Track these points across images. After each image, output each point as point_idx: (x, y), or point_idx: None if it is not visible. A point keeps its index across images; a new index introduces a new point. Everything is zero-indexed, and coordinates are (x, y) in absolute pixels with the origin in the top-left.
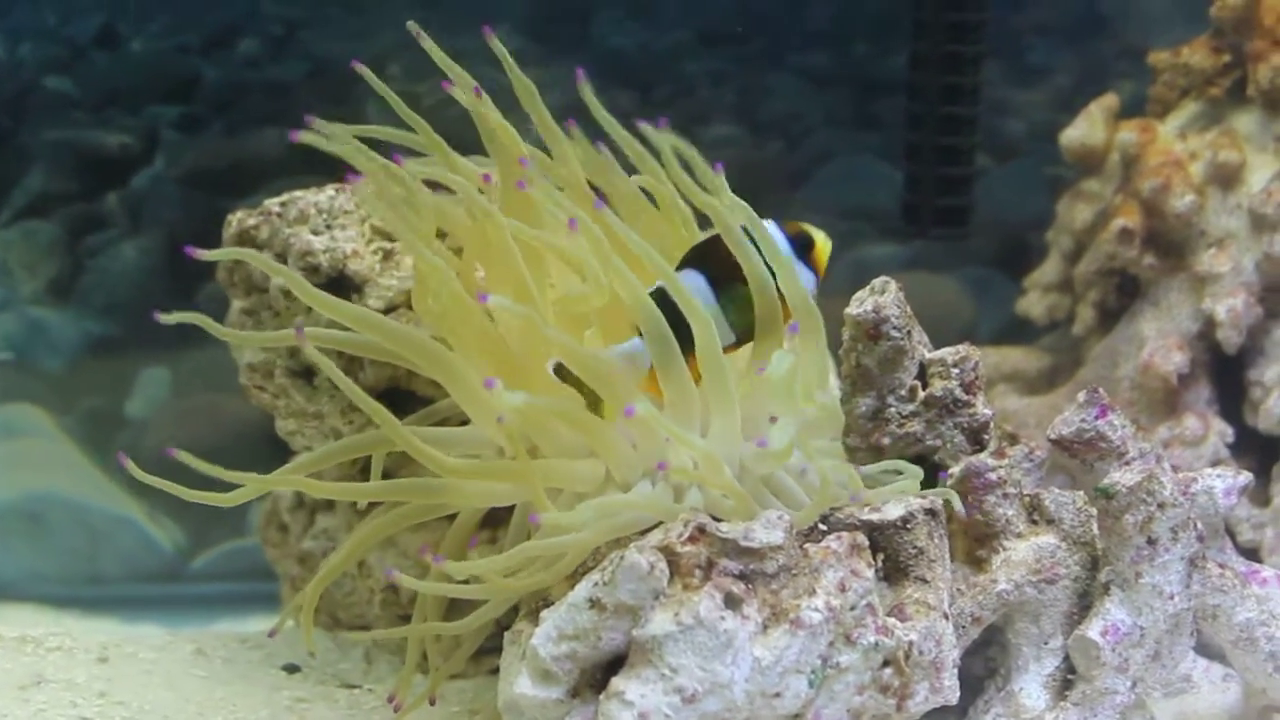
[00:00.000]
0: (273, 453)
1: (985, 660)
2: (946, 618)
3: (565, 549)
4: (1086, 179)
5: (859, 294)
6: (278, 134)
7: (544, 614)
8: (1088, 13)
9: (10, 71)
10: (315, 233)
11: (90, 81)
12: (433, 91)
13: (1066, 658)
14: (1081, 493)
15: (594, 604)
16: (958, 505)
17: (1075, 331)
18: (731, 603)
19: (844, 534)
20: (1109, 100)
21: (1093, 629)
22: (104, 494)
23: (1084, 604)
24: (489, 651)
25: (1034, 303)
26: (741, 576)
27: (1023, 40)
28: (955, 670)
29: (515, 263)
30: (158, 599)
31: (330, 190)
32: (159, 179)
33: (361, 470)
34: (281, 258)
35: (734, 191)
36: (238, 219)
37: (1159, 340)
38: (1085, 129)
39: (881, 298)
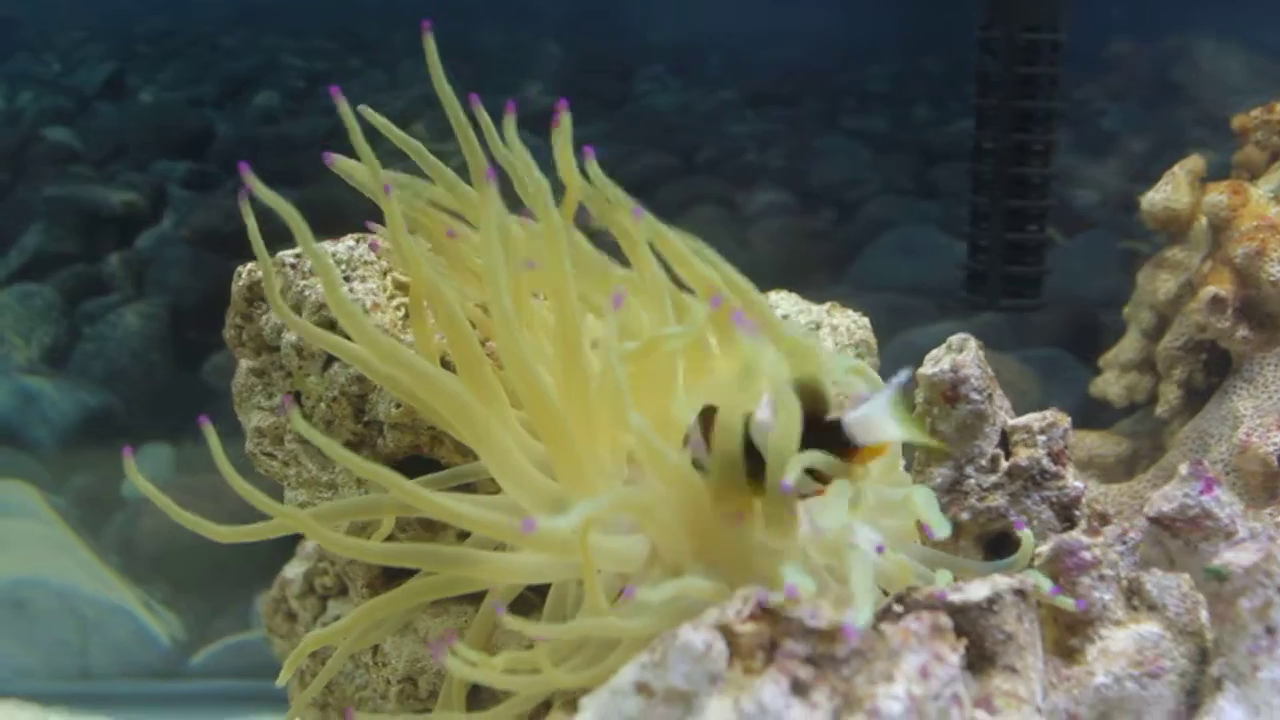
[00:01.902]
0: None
1: None
2: (1039, 712)
3: (620, 633)
4: (1170, 247)
5: (934, 352)
6: (295, 194)
7: (583, 701)
8: (1161, 81)
9: (8, 121)
10: None
11: (94, 134)
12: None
13: None
14: (1186, 576)
15: (641, 689)
16: (1069, 604)
17: (1158, 413)
18: (799, 689)
19: (924, 614)
20: (1194, 162)
21: None
22: (97, 581)
23: (1192, 702)
24: None
25: (1110, 383)
26: (809, 660)
27: (1093, 107)
28: None
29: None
30: (154, 697)
31: (350, 240)
32: (166, 240)
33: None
34: (296, 311)
35: (782, 264)
36: (248, 270)
37: (1256, 419)
38: (1169, 192)
39: (960, 356)
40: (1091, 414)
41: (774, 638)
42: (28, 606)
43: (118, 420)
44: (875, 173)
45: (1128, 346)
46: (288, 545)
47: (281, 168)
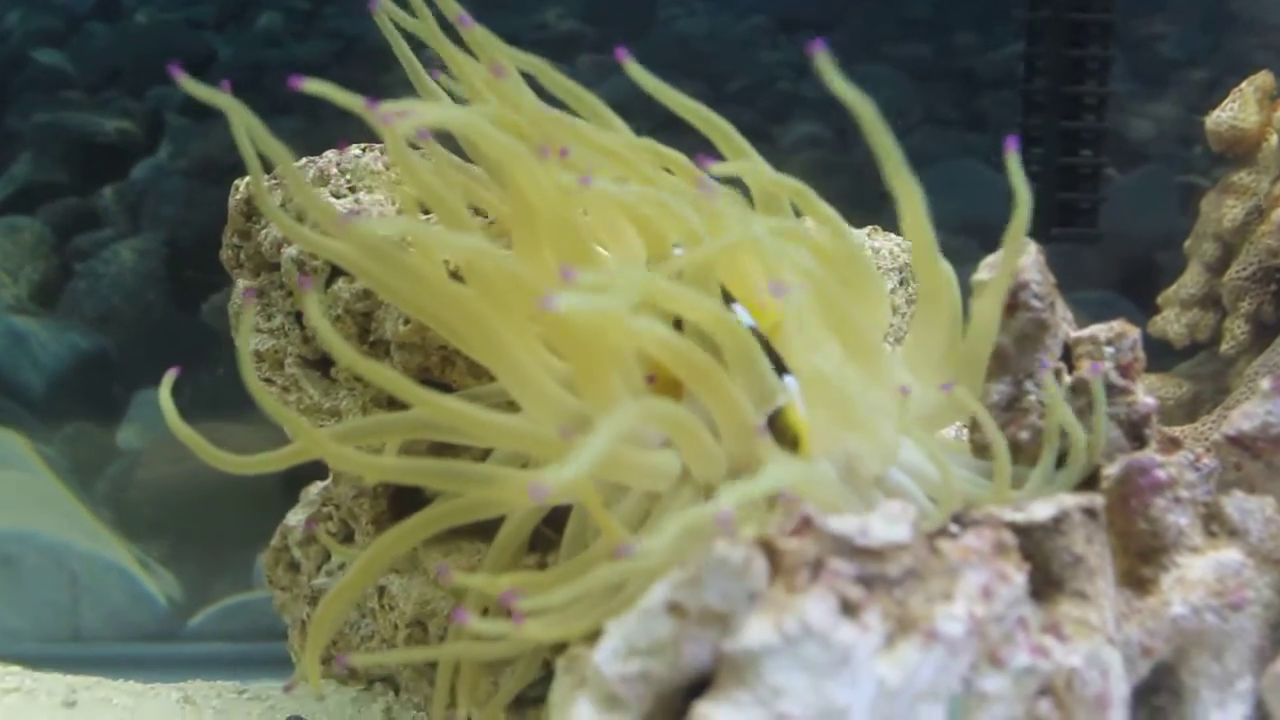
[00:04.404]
0: (283, 489)
1: (1151, 710)
2: (1112, 642)
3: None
4: (1236, 171)
5: (989, 259)
6: (300, 122)
7: (608, 625)
8: (1220, 9)
9: None
10: (337, 195)
11: (87, 57)
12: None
13: (1259, 704)
14: (1270, 500)
15: (673, 609)
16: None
17: (1223, 350)
18: (848, 609)
19: (985, 530)
20: (1263, 79)
21: None
22: (90, 537)
23: (1277, 636)
24: (532, 702)
25: (1171, 321)
26: (859, 580)
27: (1150, 31)
28: (1125, 711)
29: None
30: (149, 660)
31: (355, 149)
32: (162, 171)
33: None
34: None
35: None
36: (245, 184)
37: None
38: (1236, 110)
39: (1020, 260)
40: (1150, 357)
41: (820, 555)
42: (15, 563)
43: (111, 363)
44: (917, 103)
45: (1189, 281)
46: (292, 501)
47: (288, 95)
